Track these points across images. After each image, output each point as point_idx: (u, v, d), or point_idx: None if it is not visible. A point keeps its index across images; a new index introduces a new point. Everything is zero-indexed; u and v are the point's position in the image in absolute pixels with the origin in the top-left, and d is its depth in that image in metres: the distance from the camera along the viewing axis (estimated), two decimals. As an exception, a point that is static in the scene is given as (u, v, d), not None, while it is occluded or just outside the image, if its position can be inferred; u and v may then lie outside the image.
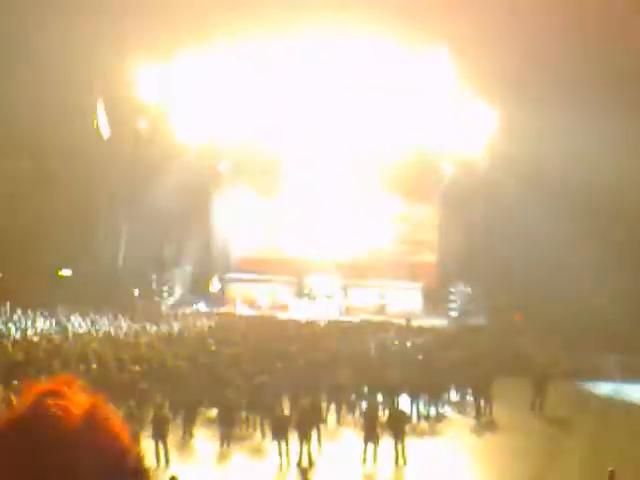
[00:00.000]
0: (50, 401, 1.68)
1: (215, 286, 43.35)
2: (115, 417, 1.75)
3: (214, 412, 23.17)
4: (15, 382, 21.62)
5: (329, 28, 34.30)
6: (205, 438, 22.15)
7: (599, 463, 17.63)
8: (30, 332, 31.08)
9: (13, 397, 19.15)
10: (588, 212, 33.29)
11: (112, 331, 32.30)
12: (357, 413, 23.60)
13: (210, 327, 33.78)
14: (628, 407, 23.55)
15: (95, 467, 1.67)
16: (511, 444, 21.55)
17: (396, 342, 30.87)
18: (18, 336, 29.69)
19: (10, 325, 32.98)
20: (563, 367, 25.92)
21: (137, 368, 24.52)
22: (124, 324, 34.33)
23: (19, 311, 35.14)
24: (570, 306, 31.06)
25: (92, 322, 34.24)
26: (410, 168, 40.69)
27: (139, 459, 1.79)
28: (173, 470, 17.55)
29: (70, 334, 31.12)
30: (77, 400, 1.71)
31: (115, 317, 35.27)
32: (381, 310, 40.66)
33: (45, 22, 32.17)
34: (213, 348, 28.55)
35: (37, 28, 32.63)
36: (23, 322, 33.80)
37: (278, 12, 33.79)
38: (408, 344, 30.26)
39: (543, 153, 31.05)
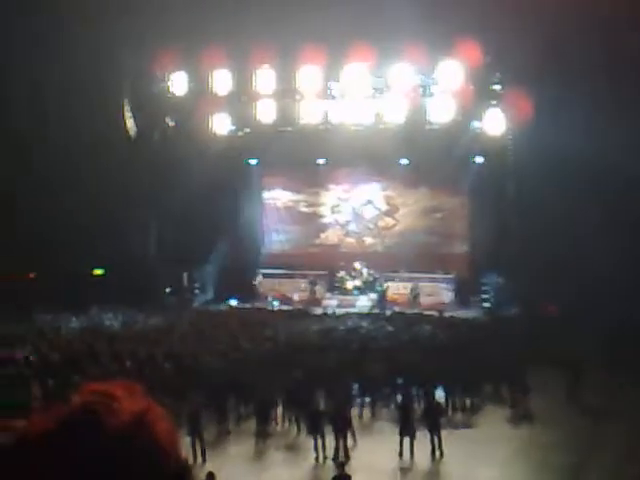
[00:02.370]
0: (99, 402, 1.68)
1: (258, 280, 43.52)
2: (166, 424, 1.74)
3: (248, 409, 23.27)
4: (51, 382, 21.83)
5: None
6: (241, 435, 22.20)
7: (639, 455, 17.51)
8: (64, 332, 31.26)
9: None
10: (622, 200, 33.02)
11: (145, 329, 32.44)
12: (392, 406, 23.55)
13: (243, 323, 33.80)
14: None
15: (135, 473, 1.65)
16: (548, 435, 21.40)
17: (430, 334, 30.76)
18: (52, 336, 29.87)
19: (44, 325, 33.25)
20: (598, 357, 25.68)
21: (167, 365, 24.66)
22: (157, 322, 34.49)
23: (53, 311, 35.41)
24: (604, 295, 30.78)
25: (125, 321, 34.43)
26: (439, 159, 40.55)
27: (183, 467, 1.76)
28: (210, 467, 17.55)
29: (103, 333, 31.32)
30: (128, 404, 1.70)
31: (147, 315, 35.43)
32: (414, 302, 40.58)
33: (71, 20, 32.28)
34: (246, 344, 28.60)
35: (63, 26, 32.77)
36: (57, 322, 34.05)
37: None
38: (442, 336, 30.13)
39: (575, 142, 30.72)
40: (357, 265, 42.31)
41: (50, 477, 1.61)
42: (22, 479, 1.61)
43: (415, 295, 40.83)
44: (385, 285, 41.50)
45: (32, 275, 40.09)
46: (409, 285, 41.43)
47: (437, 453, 20.02)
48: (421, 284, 41.35)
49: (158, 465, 1.68)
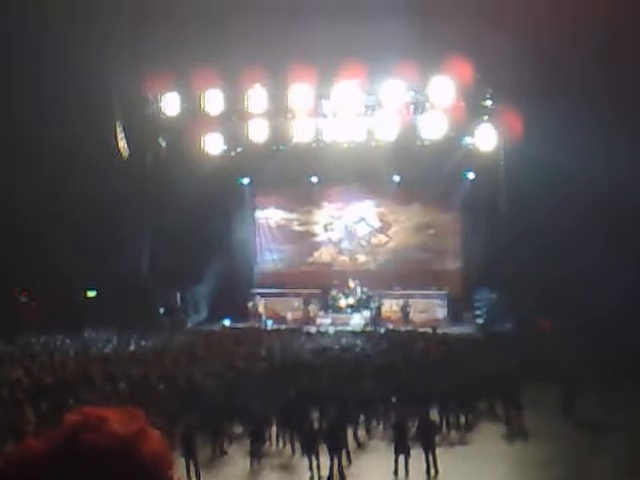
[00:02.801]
0: (89, 424, 1.70)
1: (254, 302, 43.47)
2: (157, 447, 1.77)
3: (242, 429, 23.18)
4: (44, 405, 21.71)
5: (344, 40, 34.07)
6: (235, 455, 22.11)
7: (635, 469, 17.45)
8: (57, 354, 31.13)
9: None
10: (614, 216, 33.06)
11: (138, 350, 32.37)
12: (387, 424, 23.48)
13: (237, 342, 33.72)
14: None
15: None
16: (543, 451, 21.34)
17: (423, 351, 30.70)
18: (45, 359, 29.73)
19: (37, 348, 33.12)
20: (594, 372, 25.61)
21: (161, 387, 24.55)
22: (150, 343, 34.40)
23: (46, 333, 35.30)
24: (597, 309, 30.75)
25: (118, 342, 34.32)
26: (431, 175, 40.68)
27: None
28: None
29: (97, 355, 31.21)
30: (119, 427, 1.72)
31: (141, 336, 35.32)
32: (405, 319, 40.63)
33: (63, 42, 32.31)
34: (240, 364, 28.51)
35: (55, 49, 32.81)
36: (50, 344, 33.92)
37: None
38: (435, 353, 30.07)
39: (567, 157, 30.77)
40: (351, 283, 42.33)
41: None
42: None
43: (406, 312, 40.87)
44: (379, 302, 41.53)
45: (24, 296, 39.95)
46: (400, 302, 41.48)
47: (432, 471, 19.92)
48: (414, 301, 41.41)
49: None
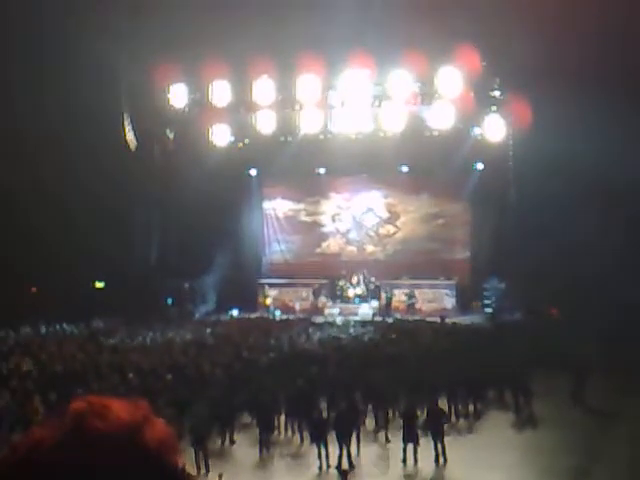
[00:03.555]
0: (88, 423, 1.71)
1: (265, 293, 43.56)
2: (162, 435, 1.77)
3: (251, 418, 23.19)
4: (53, 395, 21.73)
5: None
6: (244, 444, 22.14)
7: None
8: (66, 345, 31.19)
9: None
10: (624, 206, 32.97)
11: (147, 340, 32.41)
12: (395, 413, 23.45)
13: (245, 333, 33.73)
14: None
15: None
16: (552, 439, 21.29)
17: (432, 340, 30.69)
18: (54, 349, 29.79)
19: (46, 338, 33.20)
20: (602, 359, 25.58)
21: (169, 377, 24.57)
22: (158, 333, 34.44)
23: (54, 324, 35.39)
24: (606, 298, 30.71)
25: (126, 333, 34.37)
26: (440, 165, 40.58)
27: (179, 476, 1.79)
28: (213, 477, 17.47)
29: (105, 345, 31.26)
30: (123, 414, 1.74)
31: (149, 327, 35.37)
32: (410, 309, 40.65)
33: (71, 33, 32.31)
34: (248, 354, 28.53)
35: (64, 40, 32.82)
36: (59, 335, 34.01)
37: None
38: (444, 342, 30.05)
39: (576, 147, 30.64)
40: (354, 278, 42.38)
41: None
42: None
43: (411, 302, 40.90)
44: (391, 293, 41.56)
45: (34, 289, 40.05)
46: (406, 291, 41.53)
47: (441, 459, 19.89)
48: (423, 291, 41.40)
49: (147, 474, 1.71)
